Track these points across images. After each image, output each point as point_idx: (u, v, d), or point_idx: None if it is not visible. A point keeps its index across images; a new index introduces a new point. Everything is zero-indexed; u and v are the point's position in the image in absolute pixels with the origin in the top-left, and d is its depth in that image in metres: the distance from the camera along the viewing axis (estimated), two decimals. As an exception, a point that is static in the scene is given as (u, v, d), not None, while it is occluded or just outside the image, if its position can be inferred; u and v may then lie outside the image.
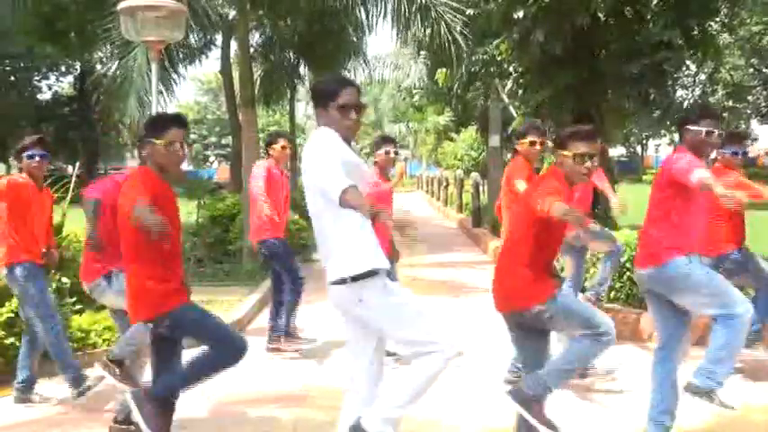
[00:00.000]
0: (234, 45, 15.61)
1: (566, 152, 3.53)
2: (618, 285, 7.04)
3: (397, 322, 3.19)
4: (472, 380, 5.63)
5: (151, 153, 3.60)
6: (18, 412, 5.03)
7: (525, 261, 3.54)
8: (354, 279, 3.14)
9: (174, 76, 15.17)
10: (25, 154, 4.98)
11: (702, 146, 3.94)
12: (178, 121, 3.68)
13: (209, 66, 56.06)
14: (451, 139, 29.06)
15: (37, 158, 5.00)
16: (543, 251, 3.57)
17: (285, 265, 6.53)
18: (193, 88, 66.63)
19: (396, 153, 5.80)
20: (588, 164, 3.51)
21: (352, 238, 3.16)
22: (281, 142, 6.59)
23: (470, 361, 6.17)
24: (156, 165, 3.60)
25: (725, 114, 43.34)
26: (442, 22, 12.14)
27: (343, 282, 3.16)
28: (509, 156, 33.12)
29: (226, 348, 3.58)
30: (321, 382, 5.69)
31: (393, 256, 6.03)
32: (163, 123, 3.64)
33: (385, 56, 26.56)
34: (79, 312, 6.43)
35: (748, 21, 23.77)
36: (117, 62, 13.56)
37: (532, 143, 5.33)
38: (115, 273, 4.49)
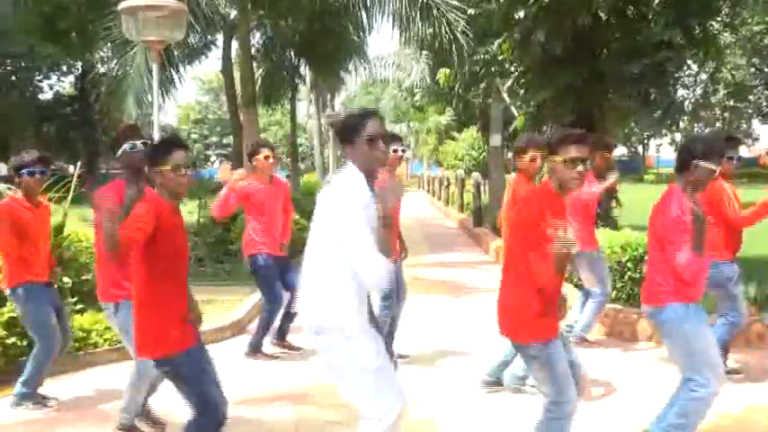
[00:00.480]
0: (235, 45, 15.62)
1: (557, 158, 3.46)
2: (619, 285, 7.04)
3: (349, 383, 3.24)
4: (469, 380, 5.62)
5: (161, 180, 3.47)
6: (18, 412, 5.03)
7: (532, 290, 3.44)
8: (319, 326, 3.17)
9: (175, 75, 15.19)
10: (25, 170, 4.87)
11: (708, 181, 3.91)
12: (179, 143, 3.57)
13: (210, 65, 55.90)
14: (453, 139, 29.05)
15: (37, 175, 4.90)
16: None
17: (261, 286, 6.49)
18: (194, 88, 66.78)
19: (403, 151, 5.73)
20: (580, 168, 3.43)
21: (334, 288, 3.11)
22: (264, 152, 6.36)
23: (468, 361, 6.18)
24: (167, 190, 3.48)
25: (725, 114, 43.34)
26: (444, 21, 12.15)
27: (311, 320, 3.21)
28: (510, 155, 33.05)
29: (206, 416, 3.48)
30: (322, 381, 5.69)
31: (401, 253, 6.03)
32: (165, 148, 3.51)
33: (386, 56, 26.62)
34: (80, 312, 6.43)
35: (749, 20, 23.76)
36: (116, 61, 13.59)
37: (533, 159, 5.16)
38: (123, 303, 4.27)
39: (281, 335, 6.67)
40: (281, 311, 6.53)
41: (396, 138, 5.83)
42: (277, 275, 6.39)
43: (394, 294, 5.78)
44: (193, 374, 3.48)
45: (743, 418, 4.67)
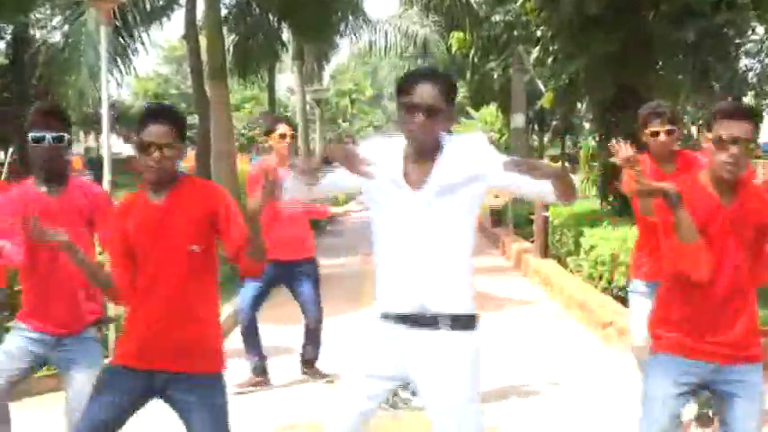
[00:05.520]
0: (201, 5, 15.57)
1: (709, 135, 3.27)
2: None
3: None
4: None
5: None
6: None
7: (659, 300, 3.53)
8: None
9: (131, 42, 15.16)
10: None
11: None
12: (155, 115, 3.46)
13: (172, 30, 55.18)
14: (469, 118, 28.99)
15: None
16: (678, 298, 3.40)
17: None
18: (153, 56, 66.77)
19: None
20: (734, 150, 3.16)
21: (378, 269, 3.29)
22: (281, 129, 6.36)
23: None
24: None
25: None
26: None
27: None
28: (536, 140, 32.82)
29: None
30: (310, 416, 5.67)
31: None
32: (140, 121, 3.44)
33: (386, 19, 26.52)
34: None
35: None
36: (63, 28, 13.58)
37: (654, 134, 4.86)
38: None
39: (307, 359, 6.67)
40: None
41: None
42: (266, 283, 6.36)
43: None
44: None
45: None
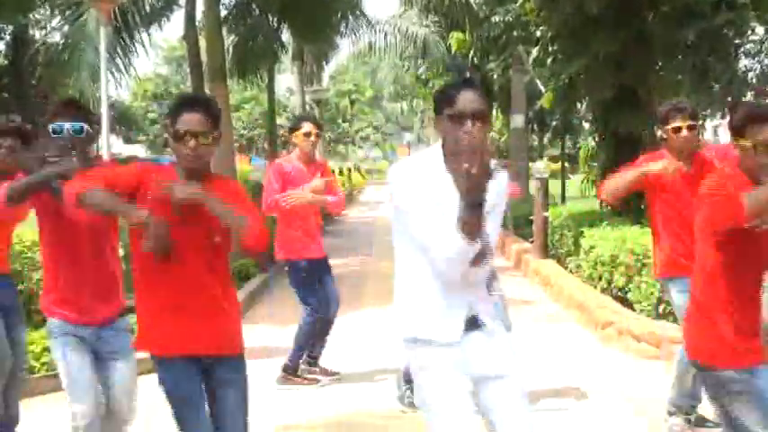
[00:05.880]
0: (201, 5, 15.59)
1: (744, 141, 3.34)
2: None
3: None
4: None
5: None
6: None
7: (718, 304, 3.40)
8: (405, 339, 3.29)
9: (131, 42, 15.16)
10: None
11: None
12: (193, 103, 3.51)
13: (171, 31, 55.36)
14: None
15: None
16: (740, 283, 3.39)
17: (298, 293, 6.51)
18: (152, 57, 66.71)
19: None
20: None
21: (408, 292, 3.28)
22: (305, 127, 6.35)
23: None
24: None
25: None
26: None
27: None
28: (535, 140, 32.65)
29: None
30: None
31: None
32: (175, 108, 3.48)
33: (387, 18, 26.55)
34: (13, 330, 6.40)
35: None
36: (62, 29, 13.60)
37: (677, 129, 4.90)
38: None
39: (314, 357, 6.68)
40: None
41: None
42: (315, 281, 6.43)
43: None
44: (170, 392, 3.47)
45: None
